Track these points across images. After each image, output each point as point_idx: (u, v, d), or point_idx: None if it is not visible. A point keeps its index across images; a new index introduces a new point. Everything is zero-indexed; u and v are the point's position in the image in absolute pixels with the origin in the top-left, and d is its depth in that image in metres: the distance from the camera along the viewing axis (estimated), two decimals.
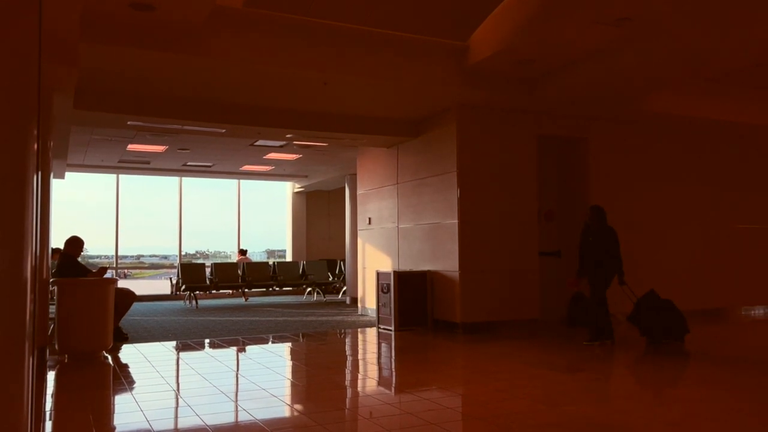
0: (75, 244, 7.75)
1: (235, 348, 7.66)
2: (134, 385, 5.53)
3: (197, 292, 13.65)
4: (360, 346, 7.94)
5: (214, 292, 14.31)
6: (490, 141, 8.73)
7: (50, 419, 4.38)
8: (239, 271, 14.40)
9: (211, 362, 6.69)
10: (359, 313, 11.07)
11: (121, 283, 8.53)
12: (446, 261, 8.66)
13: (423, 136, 9.41)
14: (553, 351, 7.24)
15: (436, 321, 8.85)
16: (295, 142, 10.43)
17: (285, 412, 4.74)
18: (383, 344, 7.85)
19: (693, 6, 5.69)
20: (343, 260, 14.75)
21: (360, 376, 5.98)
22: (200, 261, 18.33)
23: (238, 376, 5.98)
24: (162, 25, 5.98)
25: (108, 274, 8.53)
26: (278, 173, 14.97)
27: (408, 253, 9.62)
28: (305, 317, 10.70)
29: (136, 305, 9.25)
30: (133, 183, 17.01)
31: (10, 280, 1.77)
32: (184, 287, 13.43)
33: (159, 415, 4.44)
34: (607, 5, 5.71)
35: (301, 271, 15.28)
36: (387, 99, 8.36)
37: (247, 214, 17.00)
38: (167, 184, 16.56)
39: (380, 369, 6.39)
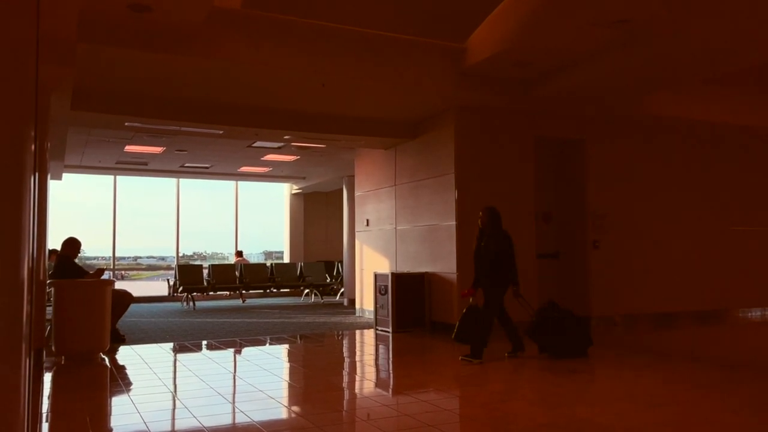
0: (72, 245, 7.74)
1: (232, 349, 7.65)
2: (131, 387, 5.52)
3: (194, 293, 13.63)
4: (357, 348, 7.93)
5: (211, 293, 14.28)
6: (487, 142, 8.74)
7: (47, 421, 4.37)
8: (237, 273, 14.39)
9: (209, 364, 6.67)
10: (357, 314, 11.06)
11: (119, 285, 8.52)
12: (444, 262, 8.66)
13: (421, 137, 9.41)
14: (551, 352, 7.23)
15: (434, 323, 8.84)
16: (292, 144, 10.43)
17: (282, 413, 4.73)
18: (381, 346, 7.84)
19: (690, 8, 5.71)
20: (341, 262, 14.74)
21: (357, 378, 5.98)
22: (198, 262, 18.30)
23: (236, 377, 5.97)
24: (160, 26, 5.98)
25: (105, 276, 8.52)
26: (276, 175, 14.96)
27: (406, 255, 9.62)
28: (303, 319, 10.69)
29: (133, 307, 9.23)
30: (131, 184, 16.98)
31: (7, 281, 1.77)
32: (181, 289, 13.41)
33: (156, 416, 4.43)
34: (605, 7, 5.72)
35: (298, 272, 15.26)
36: (385, 100, 8.37)
37: (245, 215, 17.00)
38: (165, 185, 16.56)
39: (378, 371, 6.38)
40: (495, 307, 6.35)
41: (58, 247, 7.91)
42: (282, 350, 7.75)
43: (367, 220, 10.90)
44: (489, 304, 6.36)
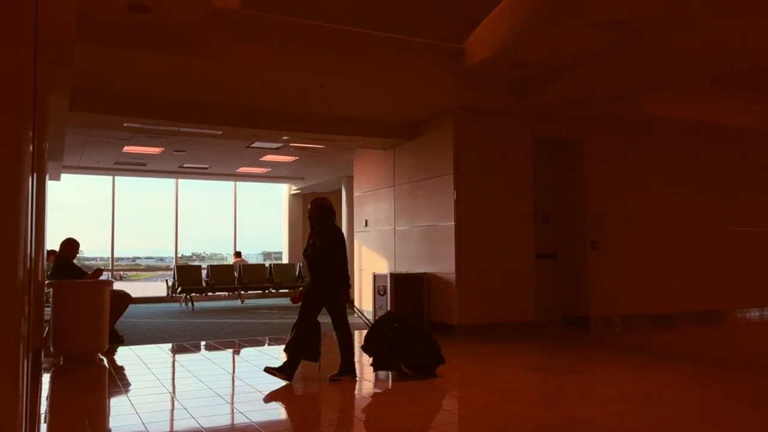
0: (70, 245, 7.73)
1: (231, 350, 7.64)
2: (130, 388, 5.51)
3: (193, 294, 13.62)
4: (356, 349, 7.90)
5: (210, 294, 14.28)
6: (486, 143, 8.74)
7: (45, 422, 4.36)
8: (235, 273, 14.38)
9: (207, 364, 6.67)
10: (355, 315, 11.05)
11: (117, 285, 8.51)
12: (443, 263, 8.66)
13: (419, 138, 9.42)
14: (549, 353, 7.25)
15: (433, 323, 8.84)
16: (291, 144, 10.42)
17: (281, 414, 4.73)
18: None
19: (687, 9, 5.71)
20: None
21: (356, 379, 5.96)
22: (196, 263, 18.29)
23: (234, 378, 5.96)
24: (159, 27, 5.97)
25: (104, 276, 8.51)
26: (275, 175, 14.95)
27: (404, 256, 9.62)
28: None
29: (131, 307, 9.21)
30: (130, 185, 17.00)
31: (6, 281, 1.76)
32: (180, 289, 13.40)
33: (154, 417, 4.42)
34: (603, 8, 5.73)
35: (297, 273, 15.26)
36: (383, 101, 8.37)
37: (244, 216, 17.00)
38: (163, 185, 16.56)
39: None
40: (312, 312, 5.52)
41: (57, 248, 7.90)
42: (281, 351, 7.73)
43: (366, 221, 10.90)
44: (336, 311, 5.60)
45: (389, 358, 5.54)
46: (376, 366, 5.61)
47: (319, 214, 5.56)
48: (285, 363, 5.42)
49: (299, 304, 5.64)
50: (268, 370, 5.40)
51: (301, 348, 5.47)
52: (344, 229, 13.61)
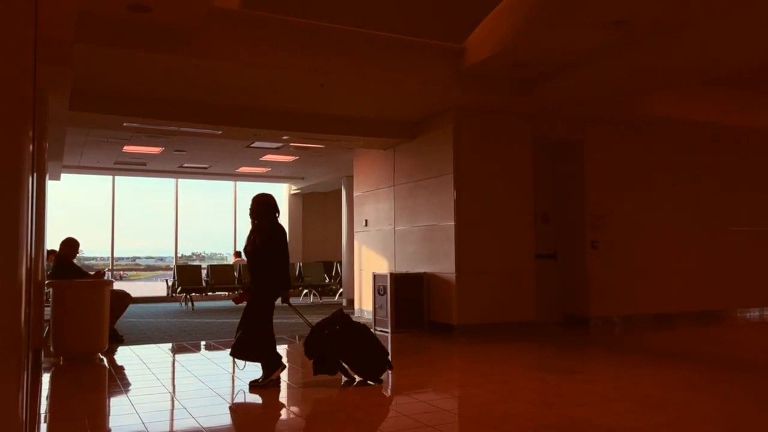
0: (70, 245, 7.73)
1: (231, 350, 7.63)
2: (130, 388, 5.52)
3: (193, 293, 13.62)
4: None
5: (210, 294, 14.28)
6: (486, 143, 8.74)
7: (45, 422, 4.36)
8: (235, 273, 14.38)
9: (207, 364, 6.67)
10: (355, 315, 11.05)
11: (117, 285, 8.51)
12: (443, 263, 8.66)
13: (419, 138, 9.42)
14: (549, 353, 7.25)
15: (433, 323, 8.85)
16: (291, 144, 10.42)
17: (281, 414, 4.72)
18: None
19: (688, 9, 5.71)
20: (340, 262, 14.73)
21: (356, 378, 5.96)
22: (196, 263, 18.29)
23: (234, 378, 5.96)
24: (158, 27, 5.97)
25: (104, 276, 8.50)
26: (275, 175, 14.95)
27: (404, 255, 9.62)
28: (301, 319, 10.66)
29: (131, 307, 9.22)
30: (130, 184, 16.99)
31: (5, 281, 1.76)
32: (180, 289, 13.40)
33: (154, 417, 4.42)
34: (603, 8, 5.72)
35: (297, 272, 15.26)
36: (383, 101, 8.37)
37: (244, 215, 16.98)
38: (163, 185, 16.55)
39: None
40: (266, 316, 5.28)
41: (57, 248, 7.90)
42: (280, 351, 7.73)
43: (366, 221, 10.90)
44: (260, 313, 5.29)
45: (330, 363, 5.25)
46: (316, 370, 5.27)
47: (260, 210, 5.33)
48: (265, 369, 5.24)
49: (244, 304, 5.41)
50: (253, 386, 5.19)
51: (252, 348, 5.26)
52: (344, 229, 13.64)
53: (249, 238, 5.40)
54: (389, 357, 5.38)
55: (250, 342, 5.23)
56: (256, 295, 5.27)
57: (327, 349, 5.24)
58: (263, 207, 5.33)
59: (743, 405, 4.71)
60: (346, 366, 5.27)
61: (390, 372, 5.42)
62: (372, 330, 5.51)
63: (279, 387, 5.27)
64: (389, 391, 5.30)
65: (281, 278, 5.26)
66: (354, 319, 5.49)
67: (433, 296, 8.87)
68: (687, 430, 4.01)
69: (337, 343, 5.23)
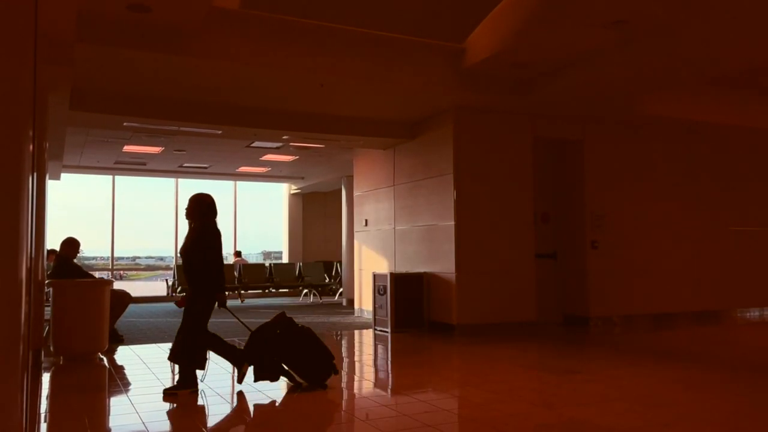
0: (71, 245, 7.73)
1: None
2: (130, 387, 5.52)
3: None
4: (356, 348, 7.93)
5: None
6: (486, 143, 8.74)
7: (45, 421, 4.36)
8: (235, 273, 14.38)
9: (207, 364, 6.66)
10: (355, 315, 11.06)
11: (117, 285, 8.50)
12: (443, 263, 8.66)
13: (419, 137, 9.42)
14: (549, 353, 7.25)
15: (433, 323, 8.85)
16: (291, 144, 10.42)
17: (281, 413, 4.73)
18: (379, 346, 7.84)
19: (688, 8, 5.71)
20: (340, 262, 14.74)
21: (356, 378, 5.97)
22: None
23: (234, 377, 5.96)
24: (158, 27, 5.97)
25: (103, 276, 8.51)
26: (275, 175, 14.95)
27: (404, 255, 9.62)
28: (301, 319, 10.67)
29: (131, 307, 9.22)
30: (130, 184, 17.00)
31: (6, 281, 1.76)
32: (180, 289, 13.40)
33: (154, 417, 4.42)
34: (603, 8, 5.72)
35: (297, 272, 15.26)
36: (383, 101, 8.37)
37: (244, 215, 17.01)
38: (163, 185, 16.55)
39: (376, 371, 6.38)
40: (197, 320, 5.08)
41: (57, 248, 7.90)
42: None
43: (366, 221, 10.90)
44: (191, 319, 5.09)
45: (271, 368, 5.09)
46: (256, 377, 5.11)
47: (194, 209, 5.07)
48: (181, 375, 5.05)
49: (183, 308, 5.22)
50: (168, 393, 5.00)
51: (230, 357, 5.22)
52: (344, 229, 13.64)
53: (184, 239, 5.20)
54: (334, 361, 5.23)
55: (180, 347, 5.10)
56: (190, 300, 5.06)
57: (267, 355, 5.07)
58: (198, 206, 5.09)
59: (743, 405, 4.71)
60: (290, 371, 5.13)
61: (334, 376, 5.23)
62: (316, 333, 5.33)
63: (197, 393, 5.04)
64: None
65: (214, 282, 5.03)
66: (297, 323, 5.31)
67: (433, 296, 8.87)
68: (687, 430, 4.01)
69: (279, 348, 5.07)
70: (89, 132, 9.53)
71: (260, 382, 5.20)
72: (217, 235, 5.13)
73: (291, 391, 5.12)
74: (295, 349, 5.14)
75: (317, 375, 5.14)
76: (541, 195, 9.44)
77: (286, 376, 5.19)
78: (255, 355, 5.13)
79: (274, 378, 5.15)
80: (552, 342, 7.91)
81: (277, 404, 4.84)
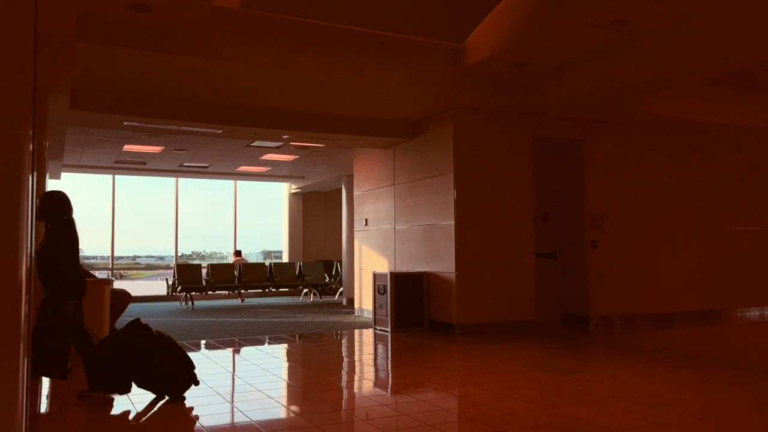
0: None
1: (231, 349, 7.65)
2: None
3: (193, 293, 13.62)
4: (356, 348, 7.93)
5: (210, 293, 14.28)
6: (486, 142, 8.74)
7: (45, 421, 4.36)
8: (235, 272, 14.39)
9: (207, 363, 6.67)
10: (355, 314, 11.06)
11: (117, 284, 8.50)
12: (443, 262, 8.66)
13: (420, 137, 9.42)
14: (549, 352, 7.24)
15: (433, 322, 8.85)
16: (291, 143, 10.43)
17: (281, 413, 4.73)
18: (379, 345, 7.85)
19: (688, 8, 5.71)
20: (340, 261, 14.74)
21: (356, 378, 5.98)
22: (196, 262, 18.28)
23: (234, 377, 5.97)
24: (158, 26, 5.97)
25: (103, 275, 8.51)
26: (275, 174, 14.96)
27: (404, 255, 9.62)
28: (301, 318, 10.69)
29: (131, 306, 9.22)
30: (130, 183, 16.98)
31: (5, 281, 1.76)
32: (180, 288, 13.40)
33: (154, 417, 4.42)
34: (603, 8, 5.73)
35: (297, 272, 15.26)
36: (383, 100, 8.37)
37: (244, 215, 16.99)
38: (163, 184, 16.53)
39: (376, 370, 6.39)
40: (58, 324, 4.67)
41: None
42: (281, 350, 7.75)
43: (366, 220, 10.90)
44: (44, 316, 4.67)
45: (121, 378, 4.72)
46: (107, 388, 4.78)
47: (41, 210, 4.62)
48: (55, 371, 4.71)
49: None
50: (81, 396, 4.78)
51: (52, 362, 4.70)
52: (344, 228, 13.64)
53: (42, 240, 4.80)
54: (195, 370, 4.90)
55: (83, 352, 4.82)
56: (46, 304, 4.67)
57: (117, 364, 4.71)
58: (49, 207, 4.68)
59: (743, 405, 4.71)
60: (138, 381, 4.76)
61: (195, 386, 4.87)
62: (175, 341, 5.02)
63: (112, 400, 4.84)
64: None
65: (65, 285, 4.69)
66: (153, 330, 4.97)
67: (433, 295, 8.87)
68: (687, 430, 4.01)
69: (131, 359, 4.73)
70: (89, 131, 9.53)
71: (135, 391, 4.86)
72: (68, 236, 4.71)
73: (152, 403, 4.73)
74: (149, 359, 4.77)
75: (174, 386, 4.76)
76: (541, 194, 9.44)
77: (146, 388, 4.80)
78: (102, 368, 4.74)
79: (124, 390, 4.79)
80: (552, 341, 7.91)
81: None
